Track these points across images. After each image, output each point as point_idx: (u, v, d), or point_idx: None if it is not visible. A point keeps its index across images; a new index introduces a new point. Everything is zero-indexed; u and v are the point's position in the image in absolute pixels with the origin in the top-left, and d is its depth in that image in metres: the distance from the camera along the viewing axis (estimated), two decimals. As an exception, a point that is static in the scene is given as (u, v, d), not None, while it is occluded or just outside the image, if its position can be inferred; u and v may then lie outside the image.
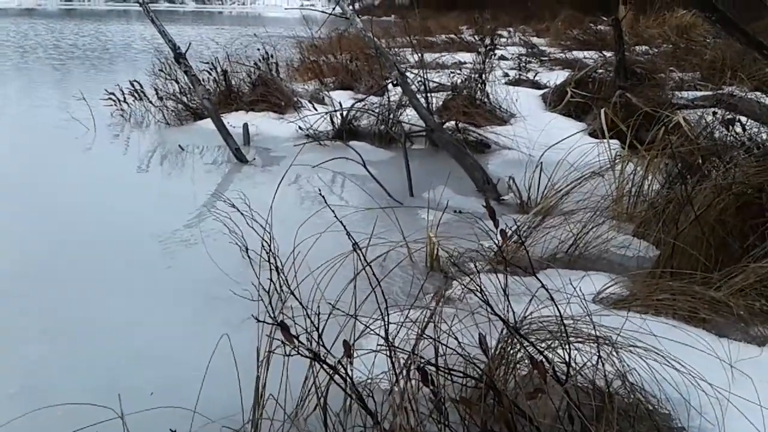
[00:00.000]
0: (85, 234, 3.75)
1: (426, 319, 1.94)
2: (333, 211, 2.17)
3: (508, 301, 1.82)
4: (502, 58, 10.87)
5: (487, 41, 7.86)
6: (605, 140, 4.36)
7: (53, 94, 9.17)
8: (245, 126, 6.05)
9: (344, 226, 2.00)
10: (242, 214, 2.66)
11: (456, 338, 1.87)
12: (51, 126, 6.76)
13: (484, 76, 6.46)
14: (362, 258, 1.97)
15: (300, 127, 5.99)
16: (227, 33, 24.22)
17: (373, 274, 1.95)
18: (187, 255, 3.45)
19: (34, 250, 3.49)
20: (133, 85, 6.79)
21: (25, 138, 6.29)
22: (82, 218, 4.02)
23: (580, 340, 1.86)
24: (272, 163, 5.45)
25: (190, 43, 5.98)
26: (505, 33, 16.73)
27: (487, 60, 6.60)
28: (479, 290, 1.78)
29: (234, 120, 6.20)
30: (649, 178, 3.60)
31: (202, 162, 5.60)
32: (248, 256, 2.31)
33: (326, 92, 7.39)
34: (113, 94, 6.81)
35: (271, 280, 2.01)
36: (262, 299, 1.85)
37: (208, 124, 6.04)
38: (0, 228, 3.85)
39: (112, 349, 2.46)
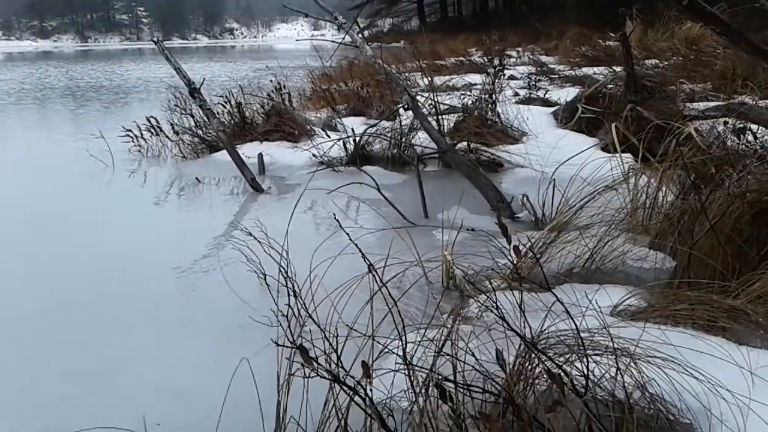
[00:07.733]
0: (103, 270, 3.81)
1: (443, 337, 1.96)
2: (348, 234, 2.20)
3: (525, 317, 1.83)
4: (512, 77, 10.92)
5: (496, 62, 7.91)
6: (618, 154, 4.36)
7: (71, 132, 9.36)
8: (260, 156, 6.13)
9: (359, 249, 2.03)
10: (259, 242, 2.70)
11: (473, 355, 1.88)
12: (69, 163, 6.91)
13: (494, 96, 6.50)
14: (378, 279, 1.99)
15: (314, 155, 6.06)
16: (238, 66, 24.64)
17: (390, 294, 1.97)
18: (206, 285, 3.49)
19: (53, 289, 3.55)
20: (149, 121, 6.91)
21: (42, 176, 6.42)
22: (100, 254, 4.09)
23: (597, 352, 1.87)
24: (287, 191, 5.52)
25: (203, 79, 6.10)
26: (513, 53, 16.79)
27: (496, 80, 6.64)
28: (495, 307, 1.79)
29: (249, 150, 6.29)
30: (663, 189, 3.59)
31: (219, 193, 5.70)
32: (266, 283, 2.35)
33: (338, 119, 7.47)
34: (130, 130, 6.94)
35: (289, 305, 2.04)
36: (280, 324, 1.88)
37: (223, 156, 6.12)
38: (18, 267, 3.93)
39: (135, 384, 2.50)
